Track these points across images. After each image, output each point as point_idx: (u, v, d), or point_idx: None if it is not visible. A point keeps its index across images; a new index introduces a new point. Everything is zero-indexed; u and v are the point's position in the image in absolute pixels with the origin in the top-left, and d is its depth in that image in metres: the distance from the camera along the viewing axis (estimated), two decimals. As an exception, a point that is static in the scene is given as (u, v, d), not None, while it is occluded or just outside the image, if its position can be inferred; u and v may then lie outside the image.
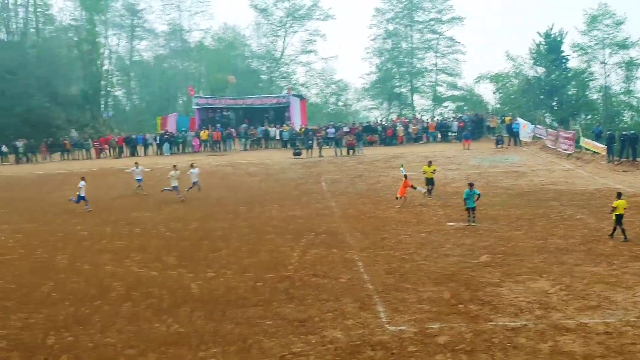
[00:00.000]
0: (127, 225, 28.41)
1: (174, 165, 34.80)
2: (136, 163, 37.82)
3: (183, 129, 59.18)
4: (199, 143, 55.38)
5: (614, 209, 23.08)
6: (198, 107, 62.54)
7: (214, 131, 56.32)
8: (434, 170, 32.54)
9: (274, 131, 56.18)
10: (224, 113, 62.24)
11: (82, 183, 31.49)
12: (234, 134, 56.62)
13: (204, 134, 55.29)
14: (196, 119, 62.11)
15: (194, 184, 34.14)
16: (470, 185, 26.49)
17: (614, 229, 23.10)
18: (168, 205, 32.40)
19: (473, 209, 26.13)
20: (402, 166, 33.72)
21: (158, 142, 55.92)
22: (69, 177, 41.11)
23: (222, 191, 35.92)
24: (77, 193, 31.33)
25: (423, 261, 21.01)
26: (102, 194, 36.04)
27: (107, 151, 56.03)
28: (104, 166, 48.89)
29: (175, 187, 33.30)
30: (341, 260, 21.59)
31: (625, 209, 22.88)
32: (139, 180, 36.07)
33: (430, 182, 32.06)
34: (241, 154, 53.18)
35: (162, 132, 58.42)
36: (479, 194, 26.37)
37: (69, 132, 61.39)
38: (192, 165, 35.16)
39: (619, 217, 22.96)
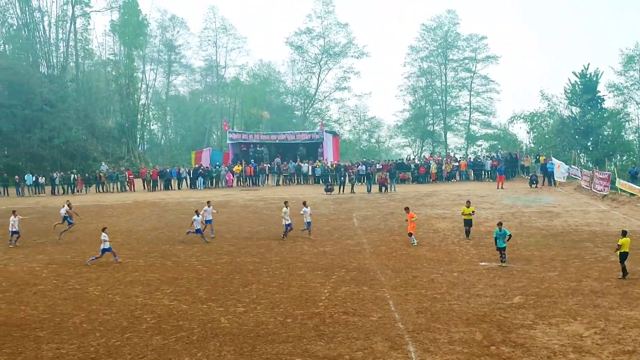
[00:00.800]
0: (160, 257, 28.59)
1: (208, 202, 34.76)
2: (209, 202, 34.68)
3: (217, 163, 59.69)
4: (232, 178, 55.75)
5: (620, 246, 23.29)
6: (232, 142, 63.07)
7: (247, 166, 56.71)
8: (473, 211, 31.90)
9: (306, 167, 56.40)
10: (258, 148, 62.69)
11: (103, 235, 27.98)
12: (267, 169, 56.95)
13: (237, 168, 55.70)
14: (230, 153, 62.63)
15: (208, 222, 33.13)
16: (500, 224, 26.18)
17: (623, 269, 23.27)
18: (201, 238, 32.56)
19: (504, 248, 25.76)
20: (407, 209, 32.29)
21: (192, 176, 56.42)
22: (104, 209, 41.60)
23: (254, 225, 36.05)
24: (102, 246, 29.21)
25: (455, 301, 20.78)
26: (135, 225, 36.37)
27: (141, 184, 56.64)
28: (138, 199, 49.39)
29: (198, 230, 31.84)
30: (372, 297, 21.45)
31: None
32: (209, 221, 33.23)
33: (468, 223, 31.39)
34: (274, 189, 53.41)
35: (196, 166, 58.95)
36: (509, 235, 25.95)
37: (100, 165, 62.23)
38: (208, 203, 33.98)
39: (624, 255, 23.30)
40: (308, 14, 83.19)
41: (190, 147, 70.84)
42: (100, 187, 56.77)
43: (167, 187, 55.92)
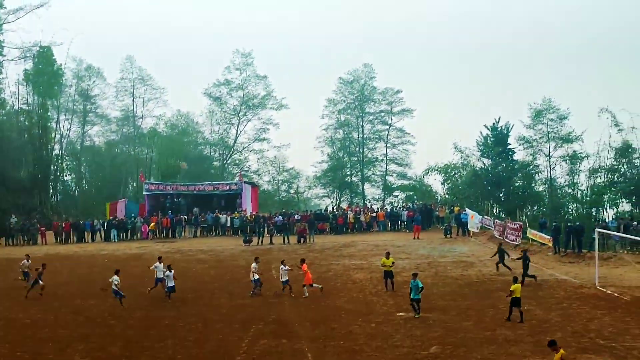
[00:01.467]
0: (71, 313, 27.68)
1: (159, 257, 33.81)
2: (160, 257, 33.59)
3: (132, 215, 58.60)
4: (147, 230, 54.71)
5: (512, 292, 24.69)
6: (148, 193, 62.10)
7: (163, 217, 55.89)
8: (393, 262, 31.57)
9: (224, 218, 55.98)
10: (175, 199, 61.89)
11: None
12: (184, 221, 56.26)
13: (152, 226, 54.46)
14: (146, 205, 61.60)
15: (158, 280, 31.54)
16: (414, 275, 26.27)
17: (520, 314, 24.59)
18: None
19: (417, 300, 25.66)
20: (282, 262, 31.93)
21: (105, 228, 55.19)
22: (13, 263, 40.07)
23: (171, 279, 35.34)
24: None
25: (373, 352, 20.84)
26: (46, 280, 35.13)
27: (53, 237, 54.97)
28: (49, 252, 47.89)
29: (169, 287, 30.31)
30: (290, 351, 21.30)
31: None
32: (159, 279, 31.13)
33: (388, 274, 30.94)
34: (191, 241, 52.73)
35: (111, 218, 57.72)
36: (422, 287, 25.89)
37: (9, 218, 59.91)
38: (159, 259, 32.80)
39: (516, 301, 24.73)
40: (227, 66, 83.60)
41: (106, 199, 69.19)
42: (11, 240, 54.82)
43: (80, 239, 54.45)
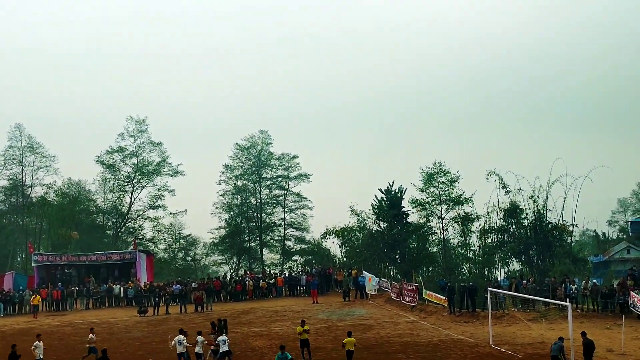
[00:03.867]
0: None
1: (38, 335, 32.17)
2: (38, 335, 31.31)
3: (20, 287, 55.93)
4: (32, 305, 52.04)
5: (344, 344, 27.39)
6: (37, 264, 59.59)
7: (53, 290, 53.64)
8: (307, 329, 30.37)
9: (118, 288, 54.26)
10: (66, 270, 59.58)
11: None
12: (75, 293, 54.16)
13: (35, 300, 51.44)
14: (35, 277, 59.01)
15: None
16: (282, 348, 25.38)
17: None
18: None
19: None
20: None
21: (-9, 302, 52.40)
22: None
23: (60, 354, 33.73)
24: None
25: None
26: None
27: None
28: None
29: None
30: None
31: (355, 345, 27.92)
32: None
33: (304, 343, 29.74)
34: (83, 313, 50.72)
35: (-3, 291, 54.89)
36: (291, 358, 25.23)
37: None
38: (38, 337, 30.88)
39: (350, 353, 27.29)
40: (120, 133, 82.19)
41: (-9, 272, 65.97)
42: None
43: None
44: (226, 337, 29.37)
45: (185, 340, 28.82)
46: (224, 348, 28.56)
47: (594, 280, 48.33)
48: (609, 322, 36.38)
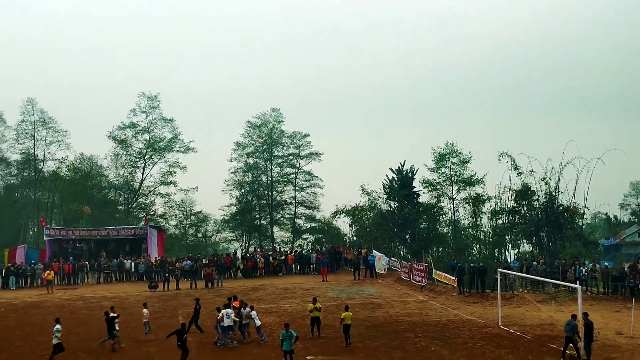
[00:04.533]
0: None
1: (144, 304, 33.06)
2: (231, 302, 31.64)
3: (32, 261, 56.35)
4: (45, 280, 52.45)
5: (343, 319, 28.05)
6: (49, 238, 59.95)
7: (65, 264, 54.02)
8: (319, 307, 30.69)
9: (129, 263, 54.59)
10: (77, 245, 59.94)
11: None
12: (87, 267, 54.54)
13: (49, 275, 51.55)
14: (47, 251, 59.41)
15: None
16: (286, 326, 25.28)
17: (347, 338, 27.91)
18: None
19: (290, 352, 24.60)
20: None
21: (3, 275, 52.77)
22: None
23: (72, 327, 34.01)
24: None
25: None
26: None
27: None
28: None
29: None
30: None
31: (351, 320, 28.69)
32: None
33: (316, 320, 30.13)
34: (94, 287, 51.08)
35: (9, 265, 55.30)
36: (296, 336, 25.16)
37: None
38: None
39: (347, 327, 28.04)
40: (132, 109, 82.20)
41: (4, 245, 66.23)
42: None
43: (-25, 287, 51.89)
44: (231, 311, 29.57)
45: (233, 314, 29.40)
46: (227, 322, 28.95)
47: (605, 263, 48.22)
48: (618, 305, 36.32)
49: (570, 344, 25.40)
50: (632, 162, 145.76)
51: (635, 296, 34.99)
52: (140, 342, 30.14)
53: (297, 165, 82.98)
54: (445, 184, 68.38)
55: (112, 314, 29.28)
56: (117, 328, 29.04)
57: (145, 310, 32.16)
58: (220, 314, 29.27)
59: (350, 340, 28.23)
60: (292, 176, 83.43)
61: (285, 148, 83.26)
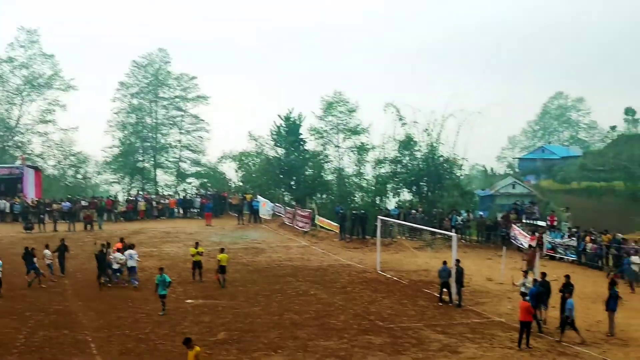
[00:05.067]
0: None
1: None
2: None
3: None
4: None
5: (219, 261, 28.69)
6: None
7: None
8: (201, 252, 30.69)
9: (3, 204, 52.37)
10: (-52, 185, 56.97)
11: None
12: (-42, 207, 52.03)
13: None
14: None
15: None
16: (161, 270, 25.00)
17: (223, 280, 28.66)
18: None
19: (163, 296, 24.23)
20: None
21: None
22: None
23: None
24: None
25: (160, 340, 20.53)
26: None
27: None
28: None
29: None
30: (72, 341, 20.45)
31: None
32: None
33: (197, 264, 30.05)
34: (-35, 228, 48.88)
35: None
36: (169, 282, 24.85)
37: None
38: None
39: (223, 268, 28.70)
40: (10, 42, 78.06)
41: None
42: None
43: None
44: (135, 252, 29.72)
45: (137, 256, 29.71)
46: (131, 263, 29.14)
47: (480, 213, 50.41)
48: (490, 253, 38.15)
49: (445, 289, 26.53)
50: (511, 117, 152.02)
51: (506, 245, 36.83)
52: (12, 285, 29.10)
53: (183, 108, 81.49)
54: (331, 132, 69.09)
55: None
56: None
57: (47, 252, 31.01)
58: (112, 255, 29.32)
59: (225, 284, 28.76)
60: (177, 119, 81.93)
61: (171, 90, 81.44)
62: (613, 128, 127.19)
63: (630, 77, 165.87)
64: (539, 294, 22.52)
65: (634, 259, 31.47)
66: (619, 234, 38.35)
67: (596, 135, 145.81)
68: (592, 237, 36.52)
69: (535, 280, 23.96)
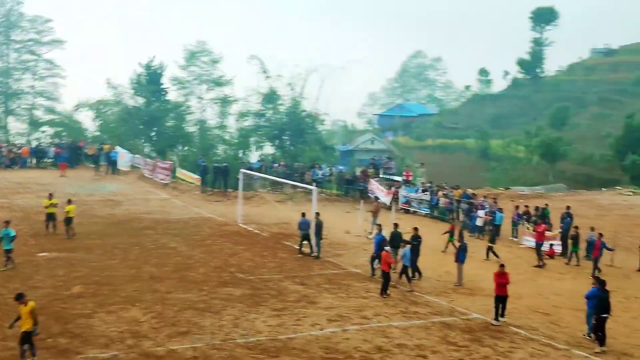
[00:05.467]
0: None
1: None
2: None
3: None
4: None
5: (67, 212, 28.07)
6: None
7: None
8: (55, 203, 29.38)
9: None
10: None
11: None
12: None
13: None
14: None
15: None
16: (6, 223, 23.69)
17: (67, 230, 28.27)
18: None
19: (9, 251, 23.04)
20: None
21: None
22: None
23: None
24: None
25: (10, 295, 19.73)
26: None
27: None
28: None
29: None
30: None
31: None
32: None
33: (51, 217, 28.93)
34: None
35: None
36: (13, 236, 23.42)
37: None
38: None
39: (69, 220, 28.15)
40: None
41: None
42: None
43: None
44: None
45: None
46: None
47: (340, 167, 51.50)
48: (349, 207, 39.17)
49: (305, 242, 27.04)
50: (373, 74, 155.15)
51: (364, 198, 37.90)
52: None
53: (37, 53, 77.36)
54: (194, 82, 68.02)
55: None
56: None
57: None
58: None
59: (73, 232, 28.36)
60: (31, 64, 77.75)
61: (24, 32, 76.99)
62: (467, 88, 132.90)
63: (486, 38, 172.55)
64: (382, 242, 23.48)
65: (480, 213, 33.33)
66: (469, 190, 40.55)
67: (452, 94, 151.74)
68: (444, 192, 38.30)
69: (379, 228, 25.16)
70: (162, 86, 63.89)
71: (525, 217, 33.44)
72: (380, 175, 45.71)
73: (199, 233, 30.74)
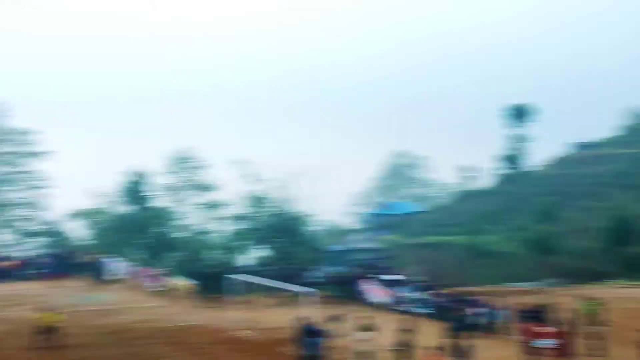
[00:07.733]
0: None
1: None
2: None
3: None
4: None
5: (54, 322, 27.17)
6: None
7: None
8: (51, 316, 28.41)
9: None
10: None
11: None
12: None
13: None
14: None
15: None
16: None
17: None
18: None
19: None
20: None
21: None
22: None
23: None
24: None
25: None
26: None
27: None
28: None
29: None
30: None
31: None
32: None
33: (47, 330, 27.78)
34: None
35: None
36: None
37: None
38: None
39: (54, 329, 27.01)
40: None
41: None
42: None
43: None
44: None
45: None
46: None
47: (333, 269, 51.37)
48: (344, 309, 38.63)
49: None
50: (357, 174, 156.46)
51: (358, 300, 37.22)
52: None
53: (20, 164, 77.12)
54: (182, 188, 68.62)
55: None
56: None
57: None
58: None
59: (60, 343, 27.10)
60: (16, 175, 77.46)
61: (10, 145, 77.19)
62: (449, 185, 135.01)
63: (460, 134, 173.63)
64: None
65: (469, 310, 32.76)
66: (461, 288, 40.38)
67: (432, 191, 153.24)
68: (440, 291, 38.08)
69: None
70: (148, 193, 64.17)
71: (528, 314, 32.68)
72: (376, 276, 45.34)
73: (192, 341, 30.08)
